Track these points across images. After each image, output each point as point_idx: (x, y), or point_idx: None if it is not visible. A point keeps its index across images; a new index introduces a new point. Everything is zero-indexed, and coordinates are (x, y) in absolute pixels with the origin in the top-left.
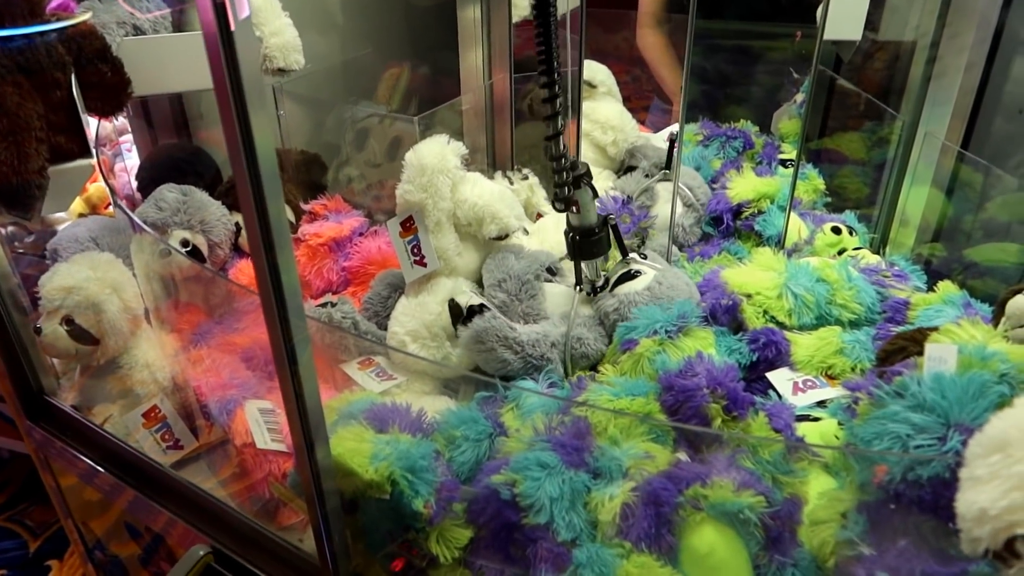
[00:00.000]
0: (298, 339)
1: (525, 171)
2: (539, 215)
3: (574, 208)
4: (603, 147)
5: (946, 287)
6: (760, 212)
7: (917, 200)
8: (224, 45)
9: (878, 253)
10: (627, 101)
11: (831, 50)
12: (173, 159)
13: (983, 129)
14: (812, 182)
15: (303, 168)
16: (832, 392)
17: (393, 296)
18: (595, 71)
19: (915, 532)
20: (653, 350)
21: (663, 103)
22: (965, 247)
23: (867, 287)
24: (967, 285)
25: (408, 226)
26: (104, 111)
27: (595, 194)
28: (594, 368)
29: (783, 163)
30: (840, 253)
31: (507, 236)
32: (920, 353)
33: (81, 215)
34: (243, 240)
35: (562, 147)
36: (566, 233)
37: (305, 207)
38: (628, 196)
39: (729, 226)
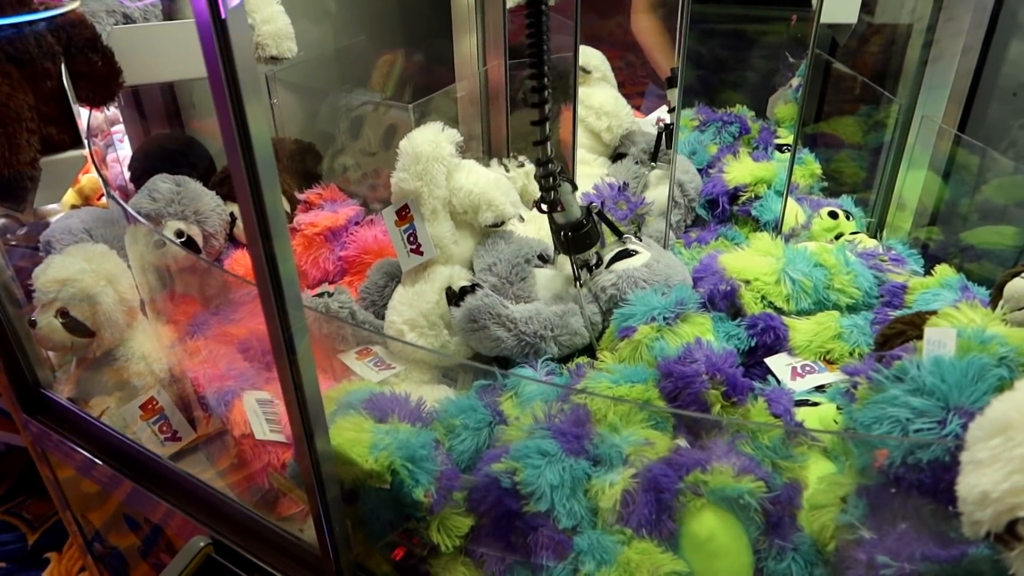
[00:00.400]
0: (296, 327)
1: (521, 158)
2: (535, 202)
3: (559, 207)
4: (598, 133)
5: (943, 271)
6: (757, 197)
7: (914, 184)
8: (217, 32)
9: (875, 237)
10: (622, 87)
11: (827, 34)
12: (166, 149)
13: (979, 112)
14: (808, 167)
15: (297, 157)
16: (831, 377)
17: (390, 285)
18: (589, 56)
19: (915, 515)
20: (652, 337)
21: (658, 88)
22: (962, 230)
23: (865, 271)
24: (964, 268)
25: (404, 215)
26: (95, 101)
27: (574, 187)
28: (591, 351)
29: (779, 148)
30: (837, 238)
31: (503, 223)
32: (919, 337)
33: (74, 206)
34: (238, 230)
35: (550, 151)
36: (555, 232)
37: (300, 196)
38: (624, 183)
39: (725, 209)
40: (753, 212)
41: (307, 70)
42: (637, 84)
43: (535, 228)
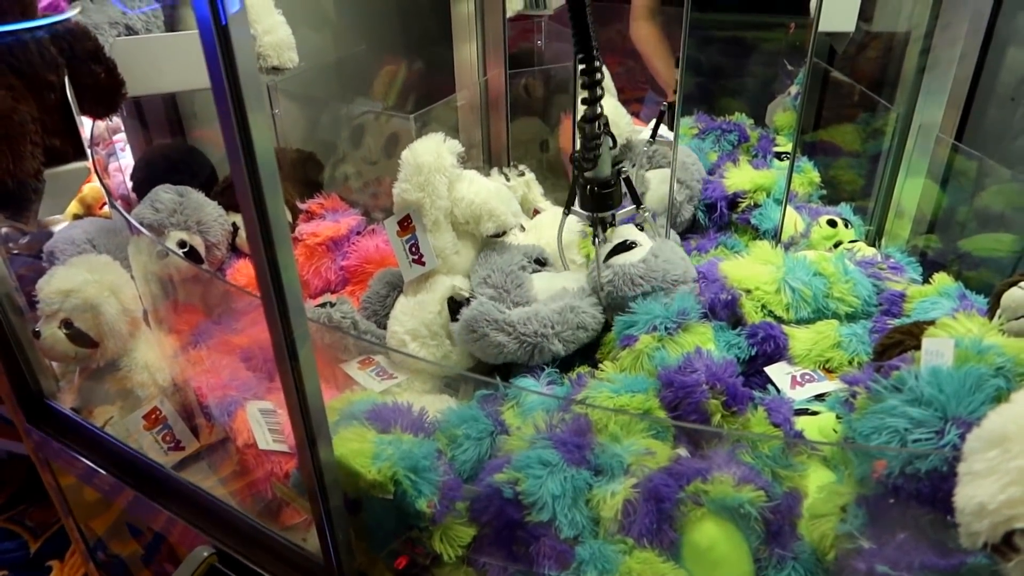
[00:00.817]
0: (298, 335)
1: (521, 167)
2: (535, 211)
3: (596, 162)
4: None
5: (941, 279)
6: (756, 205)
7: (912, 192)
8: (220, 42)
9: (874, 245)
10: (621, 94)
11: (825, 42)
12: (168, 159)
13: (977, 119)
14: (807, 175)
15: (299, 166)
16: (830, 385)
17: (392, 295)
18: None
19: (914, 525)
20: (652, 346)
21: (657, 95)
22: (960, 238)
23: (863, 280)
24: (962, 276)
25: (406, 225)
26: (98, 113)
27: (614, 142)
28: (592, 356)
29: (778, 156)
30: (836, 246)
31: (505, 233)
32: (917, 347)
33: (76, 216)
34: (240, 240)
35: (599, 92)
36: (582, 187)
37: (302, 206)
38: None
39: (723, 214)
40: (752, 220)
41: (308, 80)
42: (636, 91)
43: (535, 237)
